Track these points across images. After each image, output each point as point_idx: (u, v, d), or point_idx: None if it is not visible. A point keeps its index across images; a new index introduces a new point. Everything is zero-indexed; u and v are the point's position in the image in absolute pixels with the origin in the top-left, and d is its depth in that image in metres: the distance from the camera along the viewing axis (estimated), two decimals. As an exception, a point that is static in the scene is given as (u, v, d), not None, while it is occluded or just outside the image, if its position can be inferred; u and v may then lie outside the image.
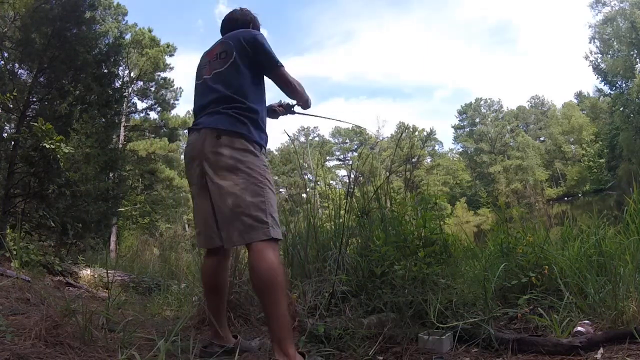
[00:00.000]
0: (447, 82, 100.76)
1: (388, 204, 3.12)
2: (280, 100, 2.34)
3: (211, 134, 1.84)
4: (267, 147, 2.03)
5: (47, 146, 5.63)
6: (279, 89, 2.10)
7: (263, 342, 2.08)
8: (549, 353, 1.67)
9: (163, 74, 22.07)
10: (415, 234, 2.50)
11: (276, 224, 1.81)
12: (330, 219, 3.19)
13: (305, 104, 2.24)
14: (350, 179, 3.15)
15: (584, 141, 51.52)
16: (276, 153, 57.38)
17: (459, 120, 61.24)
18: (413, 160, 51.82)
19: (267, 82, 2.08)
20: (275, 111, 2.34)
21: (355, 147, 60.63)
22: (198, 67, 2.11)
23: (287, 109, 2.34)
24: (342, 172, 53.24)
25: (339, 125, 62.80)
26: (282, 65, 2.02)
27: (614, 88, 35.28)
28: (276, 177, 54.06)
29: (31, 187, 6.35)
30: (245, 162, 1.81)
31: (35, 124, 5.70)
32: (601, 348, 1.63)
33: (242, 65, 1.94)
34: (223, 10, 78.04)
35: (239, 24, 2.17)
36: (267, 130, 2.02)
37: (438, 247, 2.54)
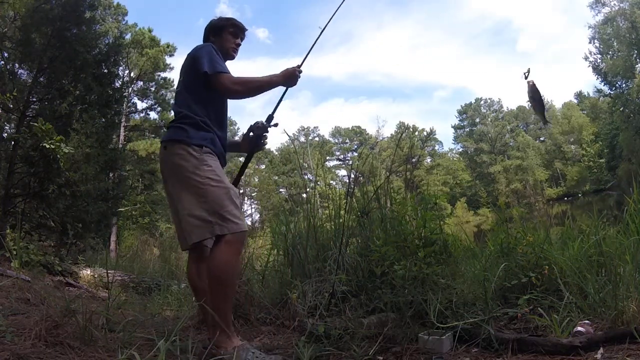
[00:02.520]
0: (447, 82, 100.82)
1: (388, 204, 3.12)
2: (251, 126, 2.27)
3: (161, 148, 2.09)
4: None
5: (47, 146, 5.63)
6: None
7: (264, 343, 2.08)
8: (549, 353, 1.67)
9: (163, 74, 22.11)
10: (415, 234, 2.50)
11: (225, 220, 1.88)
12: (330, 219, 3.18)
13: (275, 85, 2.20)
14: (350, 179, 3.15)
15: (584, 141, 51.50)
16: (276, 153, 57.37)
17: (459, 120, 61.30)
18: (413, 160, 51.92)
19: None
20: (255, 142, 2.28)
21: (355, 147, 60.63)
22: None
23: (263, 128, 2.26)
24: (342, 172, 53.33)
25: (339, 125, 62.86)
26: (214, 73, 2.02)
27: (613, 88, 35.28)
28: (276, 177, 54.06)
29: (31, 187, 6.35)
30: (185, 166, 1.95)
31: (35, 124, 5.70)
32: (601, 348, 1.63)
33: (187, 79, 2.13)
34: (224, 9, 77.97)
35: (203, 39, 2.34)
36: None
37: (438, 247, 2.54)
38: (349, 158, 59.41)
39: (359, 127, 62.42)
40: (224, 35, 2.29)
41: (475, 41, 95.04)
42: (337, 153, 61.97)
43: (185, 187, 1.94)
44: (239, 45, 2.34)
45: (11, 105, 6.89)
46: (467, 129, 60.05)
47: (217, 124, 2.13)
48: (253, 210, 49.23)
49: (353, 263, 2.66)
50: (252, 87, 2.14)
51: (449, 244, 3.03)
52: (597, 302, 2.00)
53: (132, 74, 21.07)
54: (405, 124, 55.97)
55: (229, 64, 2.22)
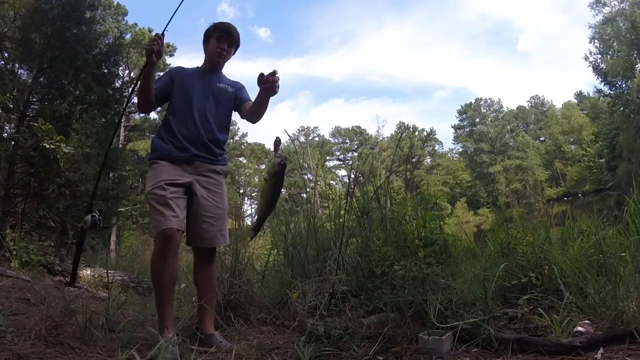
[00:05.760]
0: (447, 82, 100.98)
1: (388, 204, 3.12)
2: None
3: None
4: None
5: (47, 146, 5.64)
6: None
7: (264, 343, 2.09)
8: (549, 353, 1.66)
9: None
10: (415, 234, 2.50)
11: (152, 225, 2.19)
12: (330, 219, 3.18)
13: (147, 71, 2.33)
14: (350, 179, 3.15)
15: (584, 141, 51.51)
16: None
17: (459, 120, 61.28)
18: (413, 160, 51.92)
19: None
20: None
21: (355, 147, 60.62)
22: None
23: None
24: (342, 172, 53.31)
25: (339, 125, 62.91)
26: None
27: (613, 88, 35.29)
28: (276, 177, 53.92)
29: (31, 187, 6.36)
30: None
31: (35, 124, 5.71)
32: (601, 348, 1.63)
33: None
34: (226, 9, 77.98)
35: None
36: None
37: (438, 247, 2.54)
38: (349, 158, 59.41)
39: (359, 127, 62.47)
40: (210, 41, 2.42)
41: (475, 41, 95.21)
42: (337, 153, 62.00)
43: None
44: (224, 49, 2.40)
45: (11, 105, 6.88)
46: (467, 129, 60.02)
47: (177, 123, 2.28)
48: (253, 210, 49.18)
49: (353, 263, 2.66)
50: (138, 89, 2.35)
51: (449, 244, 3.02)
52: (597, 302, 1.99)
53: (132, 74, 21.05)
54: (405, 124, 56.02)
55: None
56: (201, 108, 2.31)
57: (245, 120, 2.44)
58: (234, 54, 2.50)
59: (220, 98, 2.39)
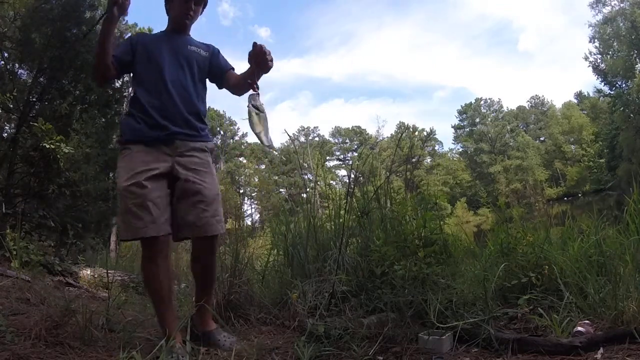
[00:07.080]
0: (447, 82, 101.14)
1: (388, 204, 3.12)
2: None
3: None
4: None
5: (47, 146, 5.64)
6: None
7: (264, 343, 2.09)
8: (549, 353, 1.66)
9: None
10: (415, 234, 2.50)
11: (123, 225, 1.88)
12: (330, 219, 3.18)
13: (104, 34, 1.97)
14: (350, 179, 3.15)
15: (584, 141, 51.59)
16: (276, 153, 57.43)
17: (459, 120, 61.35)
18: (413, 160, 51.94)
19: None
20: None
21: (355, 147, 60.67)
22: None
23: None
24: (342, 172, 53.38)
25: (339, 125, 62.93)
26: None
27: (613, 88, 35.35)
28: (276, 177, 54.12)
29: (31, 187, 6.35)
30: None
31: (35, 124, 5.71)
32: (601, 348, 1.63)
33: None
34: (226, 8, 77.94)
35: None
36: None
37: (438, 247, 2.53)
38: (349, 158, 59.45)
39: (359, 127, 62.54)
40: (174, 0, 2.10)
41: (475, 41, 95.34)
42: (337, 153, 62.04)
43: None
44: (190, 8, 2.08)
45: (11, 105, 6.88)
46: (467, 129, 60.09)
47: (148, 97, 1.99)
48: (253, 210, 49.28)
49: (353, 263, 2.66)
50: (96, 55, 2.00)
51: (449, 244, 3.02)
52: (597, 302, 1.99)
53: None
54: (405, 124, 56.12)
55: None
56: (174, 76, 2.02)
57: (225, 91, 2.19)
58: (201, 13, 2.18)
59: (194, 62, 2.10)
